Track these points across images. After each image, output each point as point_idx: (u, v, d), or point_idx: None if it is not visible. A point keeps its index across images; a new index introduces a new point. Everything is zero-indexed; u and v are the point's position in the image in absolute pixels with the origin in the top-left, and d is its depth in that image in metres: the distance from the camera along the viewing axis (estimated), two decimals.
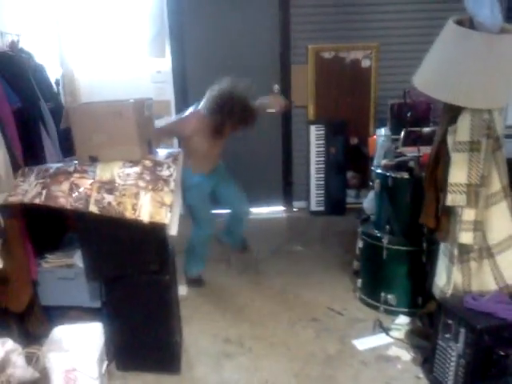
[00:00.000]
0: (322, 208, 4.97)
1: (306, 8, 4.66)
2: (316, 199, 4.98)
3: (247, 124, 3.13)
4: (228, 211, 3.55)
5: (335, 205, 4.94)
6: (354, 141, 4.86)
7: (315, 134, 4.83)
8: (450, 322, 2.24)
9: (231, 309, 3.17)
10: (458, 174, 2.27)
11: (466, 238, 2.28)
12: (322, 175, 4.90)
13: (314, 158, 4.89)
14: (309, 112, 4.92)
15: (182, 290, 3.37)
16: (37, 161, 2.63)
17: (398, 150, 3.30)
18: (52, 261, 2.72)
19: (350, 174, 4.98)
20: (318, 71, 4.80)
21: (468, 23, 2.22)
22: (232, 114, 3.00)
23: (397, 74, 4.45)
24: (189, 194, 3.18)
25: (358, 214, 3.81)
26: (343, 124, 4.79)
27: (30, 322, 2.56)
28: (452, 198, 2.28)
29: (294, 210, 5.16)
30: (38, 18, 4.09)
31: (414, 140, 3.36)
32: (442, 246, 2.47)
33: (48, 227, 2.75)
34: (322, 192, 4.94)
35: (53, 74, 3.94)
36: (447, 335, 2.24)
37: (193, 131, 3.11)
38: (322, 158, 4.86)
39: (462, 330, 2.16)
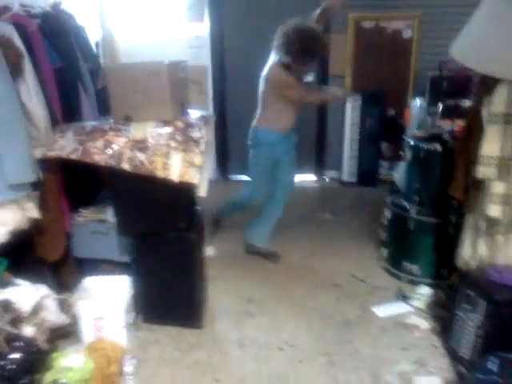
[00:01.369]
0: (354, 179, 4.96)
1: None
2: (348, 169, 4.97)
3: (324, 51, 3.12)
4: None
5: (367, 176, 4.92)
6: (391, 112, 4.79)
7: (351, 104, 4.77)
8: (470, 292, 2.24)
9: (256, 271, 3.26)
10: (491, 146, 2.23)
11: (494, 211, 2.25)
12: (356, 145, 4.88)
13: (348, 128, 4.85)
14: (346, 82, 4.86)
15: (211, 250, 3.47)
16: (75, 118, 2.72)
17: (436, 124, 3.24)
18: (86, 215, 2.83)
19: (384, 146, 4.93)
20: (357, 41, 4.73)
21: None
22: (310, 44, 2.91)
23: (439, 45, 4.26)
24: (255, 152, 3.23)
25: (390, 186, 3.78)
26: (380, 95, 4.72)
27: (63, 271, 2.71)
28: (483, 171, 2.25)
29: (326, 179, 5.16)
30: None
31: (451, 113, 3.29)
32: (469, 219, 2.45)
33: (84, 183, 2.86)
34: (355, 163, 4.92)
35: (93, 36, 4.03)
36: (466, 306, 2.25)
37: (276, 81, 3.04)
38: (357, 128, 4.82)
39: (481, 302, 2.17)
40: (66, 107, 2.68)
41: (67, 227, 2.72)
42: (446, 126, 3.08)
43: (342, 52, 4.74)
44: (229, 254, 3.52)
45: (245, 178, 4.85)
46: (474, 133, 2.36)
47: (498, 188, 2.24)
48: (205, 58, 4.95)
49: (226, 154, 5.23)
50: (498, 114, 2.21)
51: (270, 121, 3.14)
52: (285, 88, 3.03)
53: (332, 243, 3.63)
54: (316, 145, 5.14)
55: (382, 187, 4.66)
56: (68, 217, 2.73)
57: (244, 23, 4.83)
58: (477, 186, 2.35)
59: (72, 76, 2.76)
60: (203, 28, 4.84)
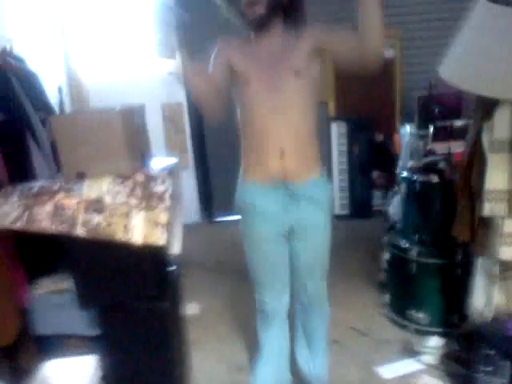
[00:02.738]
0: (346, 211, 4.66)
1: None
2: (340, 202, 4.67)
3: None
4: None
5: (360, 207, 4.63)
6: (380, 138, 4.53)
7: (337, 131, 4.52)
8: (491, 352, 1.92)
9: (246, 331, 2.90)
10: (497, 178, 1.94)
11: (508, 253, 1.95)
12: (346, 176, 4.60)
13: (336, 158, 4.58)
14: (330, 108, 4.60)
15: (194, 308, 3.13)
16: (25, 177, 2.41)
17: (428, 147, 2.97)
18: (46, 286, 2.51)
19: (375, 174, 4.65)
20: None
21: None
22: None
23: (423, 63, 4.08)
24: (242, 224, 1.97)
25: (384, 219, 3.49)
26: (367, 120, 4.47)
27: (20, 355, 2.35)
28: (490, 207, 1.95)
29: None
30: (39, 21, 3.91)
31: (444, 135, 3.03)
32: (480, 262, 2.13)
33: (42, 249, 2.54)
34: (346, 194, 4.62)
35: (54, 81, 3.77)
36: (488, 368, 1.93)
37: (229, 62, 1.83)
38: (345, 158, 4.55)
39: (505, 363, 1.84)
40: (13, 165, 2.37)
41: (23, 303, 2.39)
42: (440, 148, 2.82)
43: (323, 77, 4.48)
44: (214, 311, 3.18)
45: (231, 217, 4.57)
46: (475, 163, 2.06)
47: (509, 226, 1.93)
48: (180, 95, 4.69)
49: (209, 195, 4.93)
50: (502, 141, 1.92)
51: (245, 164, 1.90)
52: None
53: (327, 288, 3.29)
54: None
55: (377, 218, 4.36)
56: (24, 291, 2.40)
57: None
58: (485, 225, 2.04)
59: (19, 129, 2.46)
60: (177, 63, 4.59)
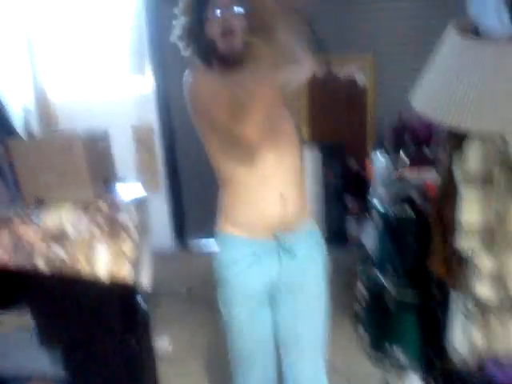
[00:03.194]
0: None
1: None
2: None
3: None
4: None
5: (335, 234, 4.56)
6: (352, 163, 4.51)
7: (311, 157, 4.47)
8: None
9: (221, 368, 2.77)
10: (470, 211, 1.89)
11: (483, 290, 1.89)
12: (319, 202, 4.54)
13: (309, 184, 4.53)
14: (302, 133, 4.57)
15: (164, 342, 2.98)
16: None
17: (400, 173, 2.94)
18: (5, 321, 2.35)
19: (349, 199, 4.61)
20: (310, 90, 4.46)
21: (471, 30, 1.87)
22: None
23: (395, 88, 4.08)
24: (219, 292, 1.68)
25: (359, 247, 3.44)
26: (339, 146, 4.45)
27: None
28: (463, 242, 1.91)
29: None
30: (5, 37, 3.79)
31: (415, 162, 3.01)
32: (456, 298, 2.08)
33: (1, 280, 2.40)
34: (321, 220, 4.57)
35: (21, 100, 3.65)
36: None
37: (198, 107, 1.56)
38: (319, 184, 4.50)
39: None
40: None
41: None
42: (412, 175, 2.78)
43: (294, 101, 4.47)
44: (185, 344, 3.04)
45: (206, 243, 4.47)
46: (448, 196, 2.02)
47: (484, 262, 1.89)
48: (151, 117, 4.61)
49: (182, 220, 4.81)
50: (473, 174, 1.89)
51: (232, 217, 1.61)
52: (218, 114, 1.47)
53: None
54: None
55: (351, 246, 4.31)
56: None
57: None
58: (460, 260, 2.00)
59: None
60: (147, 84, 4.51)
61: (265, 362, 1.69)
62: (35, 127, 4.00)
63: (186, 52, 1.67)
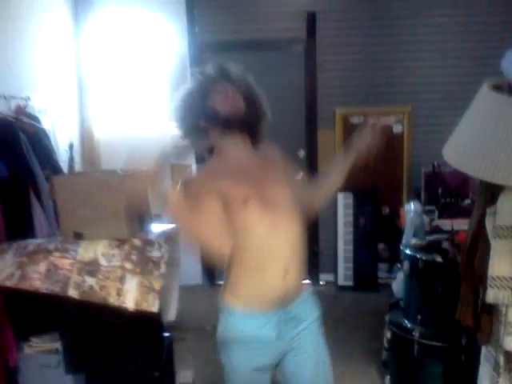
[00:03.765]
0: (350, 282, 4.56)
1: (333, 71, 4.47)
2: (344, 272, 4.58)
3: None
4: None
5: (365, 279, 4.52)
6: (386, 211, 4.51)
7: (343, 202, 4.49)
8: None
9: None
10: (501, 265, 1.87)
11: None
12: (351, 247, 4.53)
13: (341, 228, 4.53)
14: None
15: (186, 376, 3.01)
16: (24, 234, 2.41)
17: (434, 224, 2.94)
18: (36, 345, 2.44)
19: (381, 247, 4.58)
20: (346, 136, 4.52)
21: (507, 88, 1.91)
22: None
23: (431, 140, 4.09)
24: (228, 357, 1.68)
25: (389, 294, 3.40)
26: (373, 192, 4.45)
27: None
28: (494, 295, 1.87)
29: (321, 283, 4.76)
30: (59, 79, 4.04)
31: (450, 213, 3.01)
32: (484, 350, 2.03)
33: (35, 307, 2.49)
34: (351, 265, 4.55)
35: (67, 138, 3.84)
36: None
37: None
38: (351, 229, 4.50)
39: None
40: (13, 222, 2.37)
41: (11, 362, 2.32)
42: (445, 226, 2.78)
43: (330, 148, 4.53)
44: (210, 379, 3.05)
45: None
46: (479, 248, 2.01)
47: None
48: (190, 157, 4.74)
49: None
50: (506, 227, 1.88)
51: (237, 290, 1.64)
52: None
53: None
54: (308, 247, 4.78)
55: (381, 292, 4.25)
56: (12, 350, 2.34)
57: None
58: (489, 312, 1.97)
59: (22, 186, 2.49)
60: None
61: None
62: (78, 163, 4.20)
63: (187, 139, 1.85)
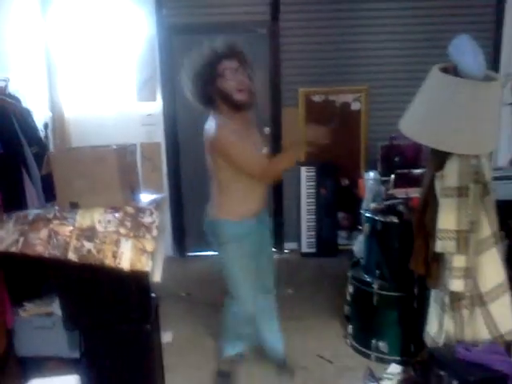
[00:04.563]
0: (313, 249, 4.90)
1: (296, 53, 4.75)
2: (307, 240, 4.92)
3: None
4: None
5: (327, 246, 4.88)
6: (345, 182, 4.85)
7: (306, 175, 4.81)
8: (441, 373, 2.15)
9: (215, 357, 3.06)
10: (447, 219, 2.22)
11: (457, 285, 2.21)
12: (313, 216, 4.86)
13: (304, 199, 4.85)
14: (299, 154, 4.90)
15: (167, 336, 3.27)
16: (18, 206, 2.57)
17: (389, 192, 3.27)
18: (30, 309, 2.63)
19: (341, 215, 4.94)
20: (308, 114, 4.82)
21: (453, 70, 2.23)
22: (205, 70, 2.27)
23: (387, 116, 4.47)
24: (227, 251, 2.49)
25: (349, 257, 3.74)
26: (334, 166, 4.78)
27: (3, 374, 2.45)
28: (441, 245, 2.23)
29: (286, 251, 5.09)
30: (28, 60, 4.12)
31: (404, 182, 3.34)
32: (433, 293, 2.40)
33: (28, 275, 2.67)
34: (313, 233, 4.88)
35: (41, 117, 3.95)
36: None
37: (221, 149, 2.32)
38: (313, 200, 4.83)
39: (455, 383, 2.07)
40: (7, 195, 2.53)
41: (9, 324, 2.50)
42: (399, 194, 3.11)
43: (294, 125, 4.81)
44: (185, 339, 3.32)
45: (202, 253, 4.75)
46: (429, 206, 2.35)
47: (458, 261, 2.21)
48: (158, 136, 4.92)
49: (182, 230, 5.09)
50: (451, 188, 2.22)
51: (232, 209, 2.44)
52: (236, 156, 2.30)
53: (296, 321, 3.48)
54: (273, 217, 5.08)
55: (342, 257, 4.61)
56: (9, 313, 2.51)
57: None
58: (437, 260, 2.32)
59: (14, 162, 2.65)
60: (156, 105, 4.85)
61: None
62: (50, 142, 4.30)
63: (196, 103, 2.38)
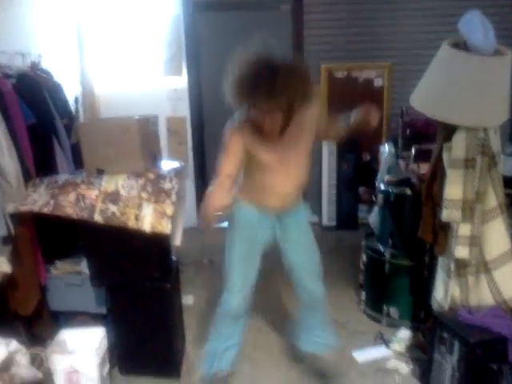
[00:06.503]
0: (334, 223, 5.00)
1: (319, 29, 4.78)
2: (328, 214, 5.02)
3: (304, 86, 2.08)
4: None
5: (347, 220, 4.97)
6: (366, 157, 4.90)
7: (327, 150, 4.88)
8: (445, 335, 2.25)
9: None
10: (454, 190, 2.29)
11: (462, 252, 2.30)
12: (334, 191, 4.95)
13: (326, 174, 4.94)
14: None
15: (188, 299, 3.45)
16: (49, 172, 2.76)
17: (410, 168, 3.32)
18: (61, 267, 2.83)
19: (362, 190, 5.01)
20: (330, 90, 4.87)
21: (463, 45, 2.27)
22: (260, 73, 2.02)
23: (409, 93, 4.43)
24: (230, 231, 2.37)
25: (366, 229, 3.83)
26: (355, 141, 4.82)
27: (37, 325, 2.67)
28: (448, 214, 2.31)
29: None
30: (60, 38, 4.29)
31: (424, 157, 3.37)
32: (440, 261, 2.49)
33: (60, 235, 2.87)
34: (334, 207, 4.98)
35: (72, 92, 4.13)
36: (443, 348, 2.26)
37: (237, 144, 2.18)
38: (335, 174, 4.91)
39: (456, 344, 2.17)
40: (40, 161, 2.72)
41: (42, 280, 2.71)
42: (413, 166, 3.16)
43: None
44: (208, 302, 3.49)
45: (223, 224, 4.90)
46: (437, 177, 2.43)
47: (463, 230, 2.29)
48: (184, 110, 5.06)
49: None
50: (459, 159, 2.28)
51: (247, 192, 2.30)
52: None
53: None
54: None
55: (361, 230, 4.69)
56: (43, 270, 2.72)
57: (222, 74, 4.96)
58: (444, 229, 2.41)
59: (46, 132, 2.83)
60: (182, 81, 4.97)
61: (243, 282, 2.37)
62: (81, 116, 4.49)
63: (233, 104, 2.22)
